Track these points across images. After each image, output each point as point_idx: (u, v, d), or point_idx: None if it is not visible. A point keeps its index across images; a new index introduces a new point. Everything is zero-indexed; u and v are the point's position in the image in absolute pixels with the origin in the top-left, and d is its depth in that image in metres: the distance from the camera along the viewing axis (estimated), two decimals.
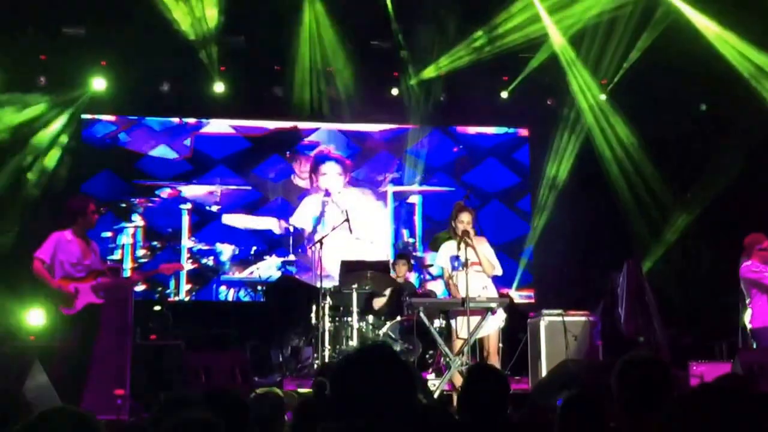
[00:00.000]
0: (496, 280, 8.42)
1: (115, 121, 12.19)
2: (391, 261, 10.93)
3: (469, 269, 8.05)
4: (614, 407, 3.46)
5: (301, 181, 12.44)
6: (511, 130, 12.95)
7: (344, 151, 12.63)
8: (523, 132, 12.96)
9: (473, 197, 8.93)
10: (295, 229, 12.29)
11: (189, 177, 12.23)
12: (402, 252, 11.39)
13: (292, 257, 12.19)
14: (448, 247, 8.28)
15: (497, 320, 8.17)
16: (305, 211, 12.30)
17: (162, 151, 12.23)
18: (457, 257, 8.10)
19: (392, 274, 10.51)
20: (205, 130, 12.39)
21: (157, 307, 11.09)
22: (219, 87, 11.66)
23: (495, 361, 8.17)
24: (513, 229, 12.68)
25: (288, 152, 12.51)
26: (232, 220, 12.22)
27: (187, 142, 12.31)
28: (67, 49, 10.94)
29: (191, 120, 12.35)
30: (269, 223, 12.29)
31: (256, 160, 12.46)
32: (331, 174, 12.36)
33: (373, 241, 12.37)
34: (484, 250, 8.24)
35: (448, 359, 8.14)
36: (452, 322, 8.29)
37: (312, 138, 12.61)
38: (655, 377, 3.44)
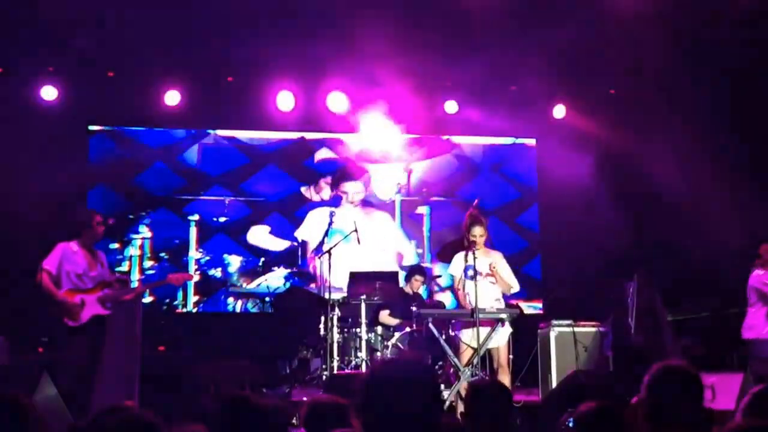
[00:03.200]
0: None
1: (122, 132, 12.17)
2: (405, 274, 10.83)
3: (483, 280, 8.03)
4: (638, 415, 3.42)
5: (314, 194, 12.39)
6: (518, 141, 12.91)
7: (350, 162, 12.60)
8: (530, 142, 12.92)
9: (481, 206, 8.91)
10: (302, 241, 12.24)
11: (197, 188, 12.20)
12: (418, 266, 11.26)
13: (300, 268, 12.14)
14: (461, 257, 8.27)
15: (505, 334, 8.12)
16: (311, 223, 12.25)
17: (170, 162, 12.19)
18: (469, 267, 8.09)
19: (405, 287, 10.44)
20: (212, 141, 12.36)
21: None
22: (223, 97, 11.68)
23: (506, 372, 8.13)
24: (520, 239, 12.66)
25: (297, 164, 12.48)
26: (255, 236, 12.18)
27: (195, 153, 12.28)
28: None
29: (198, 131, 12.32)
30: (286, 245, 12.26)
31: (263, 171, 12.42)
32: (351, 192, 12.34)
33: (383, 251, 12.34)
34: (500, 268, 8.21)
35: (457, 370, 8.11)
36: (456, 333, 8.25)
37: (320, 149, 12.58)
38: (687, 388, 3.41)
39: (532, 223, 12.77)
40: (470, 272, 8.09)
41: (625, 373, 9.00)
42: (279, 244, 12.25)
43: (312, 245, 12.13)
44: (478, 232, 8.10)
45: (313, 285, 11.92)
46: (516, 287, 8.32)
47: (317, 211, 12.27)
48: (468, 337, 8.13)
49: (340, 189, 12.31)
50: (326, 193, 12.36)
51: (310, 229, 12.20)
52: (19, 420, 3.26)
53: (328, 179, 12.40)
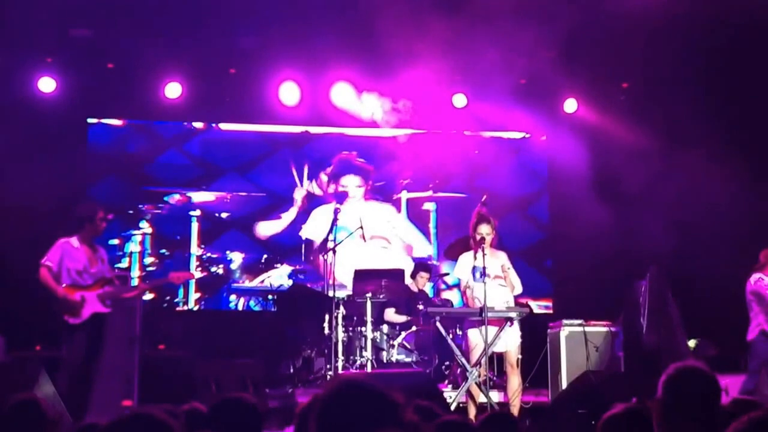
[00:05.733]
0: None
1: (121, 125, 11.99)
2: (411, 271, 10.67)
3: (492, 282, 7.82)
4: (655, 415, 3.35)
5: (317, 189, 12.21)
6: (528, 135, 12.71)
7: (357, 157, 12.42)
8: (541, 137, 12.72)
9: (490, 202, 8.70)
10: (307, 239, 12.06)
11: (199, 183, 12.02)
12: (424, 263, 11.11)
13: (303, 266, 11.96)
14: (467, 258, 8.05)
15: (515, 335, 7.92)
16: (316, 221, 12.06)
17: (170, 156, 12.02)
18: (476, 268, 7.88)
19: (411, 284, 10.29)
20: (214, 135, 12.18)
21: None
22: (226, 90, 11.51)
23: (516, 374, 7.94)
24: (529, 236, 12.47)
25: (300, 158, 12.30)
26: (264, 229, 12.00)
27: (196, 147, 12.10)
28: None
29: (200, 124, 12.13)
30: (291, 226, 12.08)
31: (267, 166, 12.25)
32: (351, 186, 12.13)
33: (388, 248, 12.16)
34: (505, 266, 8.01)
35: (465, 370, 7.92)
36: (468, 333, 8.05)
37: (326, 144, 12.40)
38: (705, 388, 3.34)
39: (541, 220, 12.59)
40: (477, 274, 7.87)
41: (637, 373, 8.84)
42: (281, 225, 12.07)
43: (318, 243, 11.94)
44: (486, 231, 7.88)
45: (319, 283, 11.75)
46: (519, 288, 8.11)
47: (322, 208, 12.08)
48: (476, 337, 7.92)
49: (339, 183, 12.13)
50: (330, 187, 12.18)
51: (315, 227, 12.01)
52: (38, 423, 3.38)
53: (328, 171, 12.22)
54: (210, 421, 3.51)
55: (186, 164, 12.06)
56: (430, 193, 12.45)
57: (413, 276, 10.35)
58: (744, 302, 9.03)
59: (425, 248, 12.35)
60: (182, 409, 3.75)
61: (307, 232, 12.05)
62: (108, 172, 11.80)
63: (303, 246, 12.06)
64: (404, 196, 12.40)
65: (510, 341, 7.87)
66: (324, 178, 12.22)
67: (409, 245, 12.32)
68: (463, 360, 7.93)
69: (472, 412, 7.84)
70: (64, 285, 7.49)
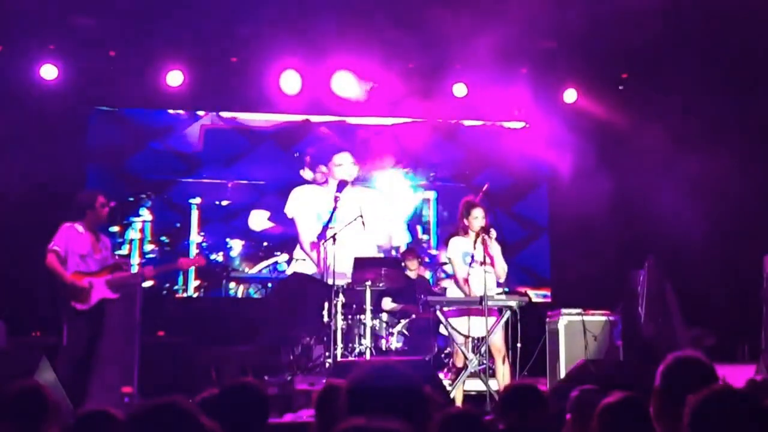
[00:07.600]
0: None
1: (123, 113, 11.97)
2: (399, 257, 10.70)
3: (480, 268, 7.85)
4: (654, 405, 3.39)
5: (311, 174, 12.19)
6: (528, 125, 12.69)
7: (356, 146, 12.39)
8: (541, 127, 12.70)
9: (488, 191, 8.70)
10: (291, 218, 11.96)
11: (199, 171, 12.01)
12: (408, 249, 11.16)
13: (303, 254, 11.96)
14: (460, 243, 8.05)
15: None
16: (298, 201, 11.97)
17: (171, 144, 12.01)
18: (466, 254, 7.91)
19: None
20: (214, 122, 12.17)
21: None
22: (227, 78, 11.50)
23: (503, 363, 7.94)
24: (528, 226, 12.47)
25: (299, 146, 12.28)
26: (255, 222, 11.98)
27: (197, 135, 12.08)
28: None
29: (200, 113, 12.12)
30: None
31: (266, 154, 12.23)
32: (346, 164, 12.05)
33: (387, 236, 12.17)
34: (495, 252, 8.02)
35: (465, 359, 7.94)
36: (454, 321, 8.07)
37: (323, 131, 12.38)
38: (701, 379, 3.31)
39: (540, 210, 12.59)
40: (468, 258, 7.90)
41: (635, 362, 8.87)
42: (277, 229, 12.06)
43: (301, 223, 11.86)
44: (480, 214, 7.91)
45: (314, 270, 11.76)
46: (503, 277, 8.13)
47: (304, 189, 11.99)
48: (463, 326, 7.94)
49: (333, 163, 12.06)
50: (318, 169, 12.13)
51: (297, 206, 11.94)
52: (40, 409, 3.41)
53: (312, 153, 12.18)
54: (218, 408, 3.51)
55: (187, 152, 12.04)
56: (429, 180, 12.47)
57: (402, 261, 10.39)
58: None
59: (409, 238, 12.36)
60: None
61: (290, 210, 11.96)
62: (108, 159, 11.80)
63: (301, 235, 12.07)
64: (404, 184, 12.40)
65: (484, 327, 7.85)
66: (308, 159, 12.15)
67: (389, 236, 12.32)
68: (463, 348, 7.96)
69: (458, 399, 7.88)
70: (70, 271, 7.48)
